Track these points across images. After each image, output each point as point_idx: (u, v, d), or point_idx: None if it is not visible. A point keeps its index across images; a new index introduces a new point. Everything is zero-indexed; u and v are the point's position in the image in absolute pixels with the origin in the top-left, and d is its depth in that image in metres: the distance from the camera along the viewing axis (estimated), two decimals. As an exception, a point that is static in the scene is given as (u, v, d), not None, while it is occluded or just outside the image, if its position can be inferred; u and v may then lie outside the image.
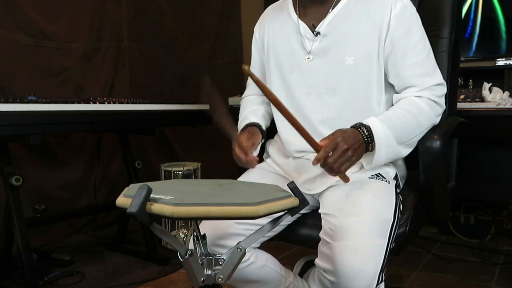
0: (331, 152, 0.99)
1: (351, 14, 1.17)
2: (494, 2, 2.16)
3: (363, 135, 1.05)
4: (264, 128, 1.32)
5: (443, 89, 1.16)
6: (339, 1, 1.19)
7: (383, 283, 1.00)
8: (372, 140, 1.05)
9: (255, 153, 1.27)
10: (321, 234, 1.05)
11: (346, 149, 0.99)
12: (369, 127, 1.06)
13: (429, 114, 1.13)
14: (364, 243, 0.96)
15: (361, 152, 1.04)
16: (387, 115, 1.12)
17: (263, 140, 1.30)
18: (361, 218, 1.00)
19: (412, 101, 1.13)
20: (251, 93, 1.45)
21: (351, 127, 1.07)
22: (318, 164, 1.16)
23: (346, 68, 1.16)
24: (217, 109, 1.07)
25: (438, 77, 1.16)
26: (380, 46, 1.14)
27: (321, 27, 1.19)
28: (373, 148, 1.06)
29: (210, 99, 1.06)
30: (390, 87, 1.20)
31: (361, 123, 1.07)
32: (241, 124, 1.33)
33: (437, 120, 1.16)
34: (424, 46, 1.15)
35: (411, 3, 1.16)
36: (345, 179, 1.07)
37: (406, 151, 1.13)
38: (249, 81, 1.45)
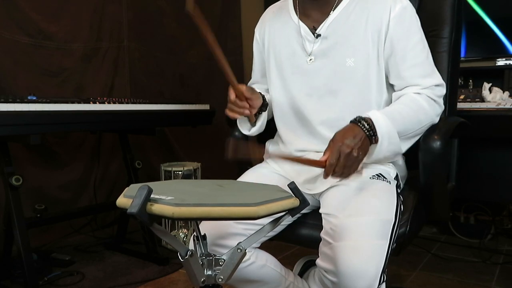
0: (336, 162, 0.98)
1: (351, 16, 1.17)
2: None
3: (364, 129, 1.03)
4: (267, 101, 1.28)
5: (443, 90, 1.17)
6: (339, 3, 1.19)
7: (384, 283, 1.00)
8: (375, 133, 1.04)
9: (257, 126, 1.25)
10: (322, 234, 1.05)
11: (349, 152, 0.98)
12: (370, 119, 1.04)
13: (428, 111, 1.13)
14: (366, 243, 0.96)
15: (365, 148, 1.03)
16: (388, 109, 1.12)
17: (265, 115, 1.27)
18: (363, 218, 1.00)
19: (412, 98, 1.13)
20: (255, 81, 1.44)
21: (350, 122, 1.06)
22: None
23: (347, 69, 1.16)
24: (209, 37, 1.01)
25: (437, 77, 1.16)
26: (380, 48, 1.15)
27: (321, 29, 1.19)
28: (376, 141, 1.05)
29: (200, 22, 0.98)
30: (390, 88, 1.20)
31: (360, 116, 1.05)
32: None
33: (436, 119, 1.16)
34: (423, 47, 1.15)
35: (410, 5, 1.16)
36: (358, 172, 1.06)
37: (405, 147, 1.13)
38: (252, 81, 1.45)
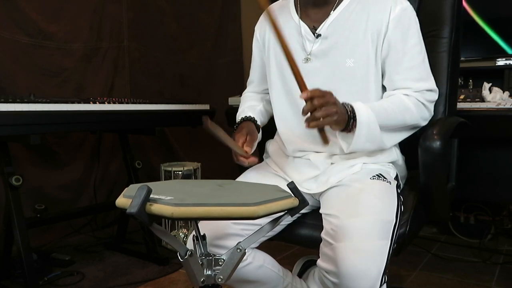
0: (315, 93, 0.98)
1: (351, 16, 1.17)
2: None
3: (347, 109, 1.05)
4: (259, 122, 1.31)
5: (434, 95, 1.17)
6: (340, 3, 1.19)
7: (385, 284, 0.99)
8: (354, 117, 1.05)
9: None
10: (323, 235, 1.04)
11: (333, 101, 1.00)
12: (351, 105, 1.06)
13: (414, 113, 1.13)
14: (367, 244, 0.96)
15: (343, 117, 1.03)
16: (373, 103, 1.13)
17: (259, 137, 1.29)
18: (364, 219, 0.99)
19: (400, 98, 1.14)
20: (251, 90, 1.45)
21: None
22: (319, 165, 1.16)
23: (346, 70, 1.16)
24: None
25: (431, 82, 1.16)
26: (378, 48, 1.15)
27: (322, 29, 1.19)
28: (354, 126, 1.05)
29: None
30: (388, 89, 1.20)
31: (345, 102, 1.07)
32: (237, 119, 1.32)
33: (422, 123, 1.17)
34: (420, 50, 1.16)
35: (411, 7, 1.16)
36: (325, 140, 1.06)
37: (389, 141, 1.13)
38: (250, 79, 1.45)
